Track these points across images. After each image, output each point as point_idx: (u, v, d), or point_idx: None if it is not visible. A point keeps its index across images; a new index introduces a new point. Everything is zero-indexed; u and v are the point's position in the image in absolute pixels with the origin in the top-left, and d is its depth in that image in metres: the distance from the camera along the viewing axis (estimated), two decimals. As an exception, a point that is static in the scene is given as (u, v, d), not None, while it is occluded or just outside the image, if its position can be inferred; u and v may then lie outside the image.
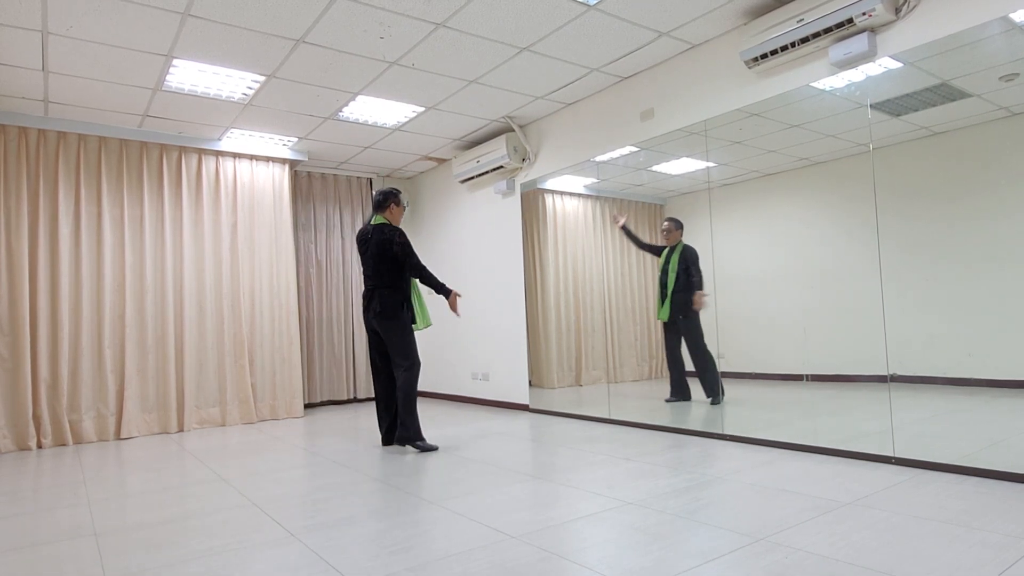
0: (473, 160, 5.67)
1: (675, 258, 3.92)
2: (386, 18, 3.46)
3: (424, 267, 3.93)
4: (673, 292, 4.00)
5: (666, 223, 4.01)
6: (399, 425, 3.88)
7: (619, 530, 2.22)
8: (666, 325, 4.10)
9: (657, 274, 4.13)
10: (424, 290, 6.22)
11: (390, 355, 3.96)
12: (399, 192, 4.12)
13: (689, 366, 4.13)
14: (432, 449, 3.84)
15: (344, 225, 6.67)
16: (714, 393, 3.83)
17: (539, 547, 2.09)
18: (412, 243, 7.08)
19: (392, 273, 3.92)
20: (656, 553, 1.99)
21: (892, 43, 3.05)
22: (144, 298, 5.07)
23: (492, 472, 3.21)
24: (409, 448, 3.94)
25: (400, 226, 4.30)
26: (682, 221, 3.95)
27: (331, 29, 3.56)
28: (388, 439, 4.03)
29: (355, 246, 6.67)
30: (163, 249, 5.20)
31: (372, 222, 4.03)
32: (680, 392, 4.06)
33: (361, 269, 6.65)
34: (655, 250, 4.19)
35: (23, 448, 4.49)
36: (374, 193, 4.22)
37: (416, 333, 4.16)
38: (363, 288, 4.07)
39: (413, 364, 3.91)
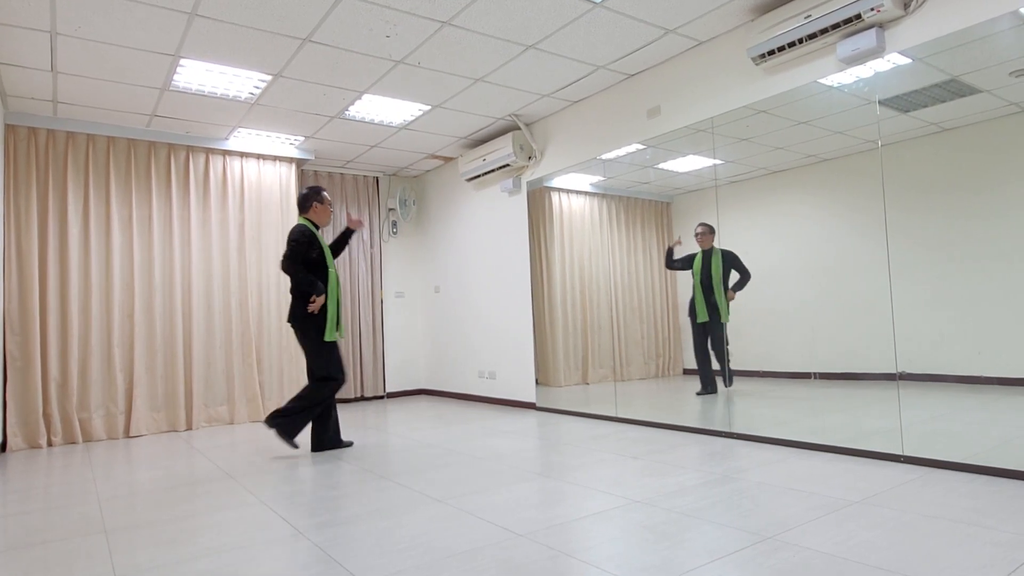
0: (479, 158, 5.67)
1: (715, 261, 3.94)
2: (392, 16, 3.46)
3: (293, 265, 3.72)
4: (720, 293, 4.03)
5: (700, 227, 4.05)
6: (282, 409, 3.75)
7: (626, 528, 2.22)
8: (701, 324, 4.13)
9: (696, 278, 4.13)
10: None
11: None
12: (321, 190, 3.95)
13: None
14: (294, 446, 3.78)
15: (351, 224, 6.67)
16: (727, 379, 3.96)
17: (547, 545, 2.09)
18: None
19: (294, 276, 3.78)
20: (663, 551, 1.99)
21: (901, 39, 3.03)
22: (153, 297, 5.10)
23: (499, 470, 3.22)
24: (417, 446, 3.95)
25: (359, 223, 4.18)
26: (713, 225, 3.97)
27: (337, 28, 3.56)
28: (319, 443, 3.94)
29: (362, 245, 6.69)
30: (171, 248, 5.22)
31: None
32: (713, 385, 4.12)
33: (367, 269, 6.71)
34: (686, 261, 4.22)
35: (34, 446, 4.52)
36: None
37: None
38: None
39: (324, 379, 3.80)
